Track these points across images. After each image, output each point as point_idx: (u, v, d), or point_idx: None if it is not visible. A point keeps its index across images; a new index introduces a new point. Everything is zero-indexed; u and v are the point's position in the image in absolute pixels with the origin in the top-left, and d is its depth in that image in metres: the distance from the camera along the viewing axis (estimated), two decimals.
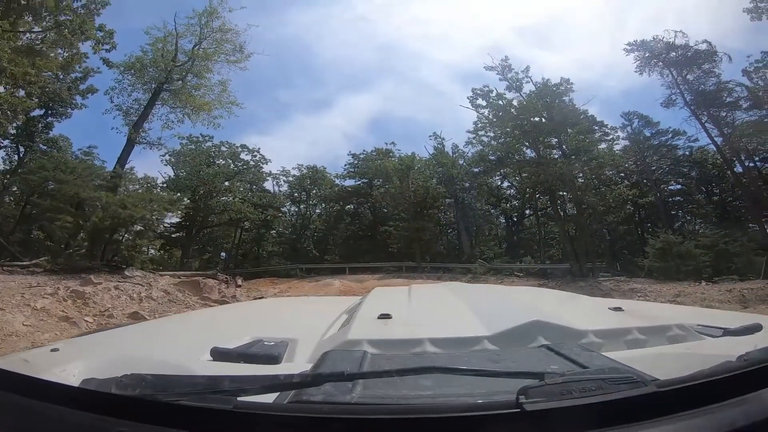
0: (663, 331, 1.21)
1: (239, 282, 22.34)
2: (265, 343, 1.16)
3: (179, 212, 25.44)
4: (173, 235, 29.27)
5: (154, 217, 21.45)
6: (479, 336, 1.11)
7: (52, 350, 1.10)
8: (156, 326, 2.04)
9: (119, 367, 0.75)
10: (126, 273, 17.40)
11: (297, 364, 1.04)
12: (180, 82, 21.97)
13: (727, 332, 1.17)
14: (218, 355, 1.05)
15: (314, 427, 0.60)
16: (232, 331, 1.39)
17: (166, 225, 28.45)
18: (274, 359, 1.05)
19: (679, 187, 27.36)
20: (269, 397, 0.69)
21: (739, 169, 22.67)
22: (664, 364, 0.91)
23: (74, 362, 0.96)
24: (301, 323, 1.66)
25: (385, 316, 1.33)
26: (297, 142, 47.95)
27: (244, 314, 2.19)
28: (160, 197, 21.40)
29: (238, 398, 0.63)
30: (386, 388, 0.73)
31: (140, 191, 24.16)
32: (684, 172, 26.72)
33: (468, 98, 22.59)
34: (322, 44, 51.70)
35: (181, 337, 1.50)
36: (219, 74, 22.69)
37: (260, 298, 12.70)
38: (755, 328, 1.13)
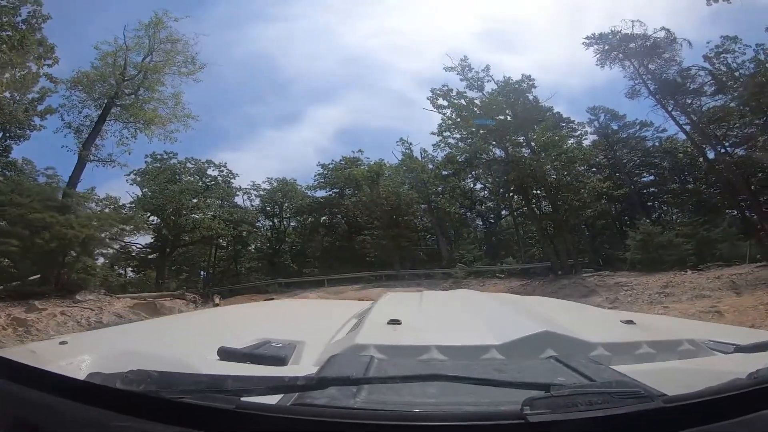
0: (674, 345, 1.15)
1: (217, 300, 21.01)
2: (273, 344, 1.11)
3: (146, 231, 23.44)
4: (149, 257, 27.27)
5: (104, 236, 19.48)
6: (487, 345, 1.05)
7: (61, 343, 1.05)
8: (165, 324, 1.93)
9: (126, 363, 0.73)
10: (77, 297, 15.64)
11: (303, 366, 1.01)
12: (132, 96, 20.16)
13: (738, 349, 1.10)
14: (225, 354, 1.00)
15: (316, 429, 0.57)
16: (241, 331, 1.32)
17: (139, 246, 26.59)
18: (280, 361, 1.01)
19: (651, 178, 25.98)
20: (273, 399, 0.66)
21: (710, 155, 21.20)
22: (673, 379, 0.84)
23: (81, 356, 0.92)
24: (311, 325, 1.58)
25: (394, 322, 1.28)
26: (269, 156, 45.81)
27: (253, 315, 2.07)
28: (107, 215, 19.34)
29: (242, 398, 0.61)
30: (391, 394, 0.70)
31: (107, 211, 22.02)
32: (655, 162, 25.46)
33: (428, 98, 21.12)
34: (288, 58, 49.85)
35: (190, 335, 1.44)
36: (172, 87, 20.89)
37: None
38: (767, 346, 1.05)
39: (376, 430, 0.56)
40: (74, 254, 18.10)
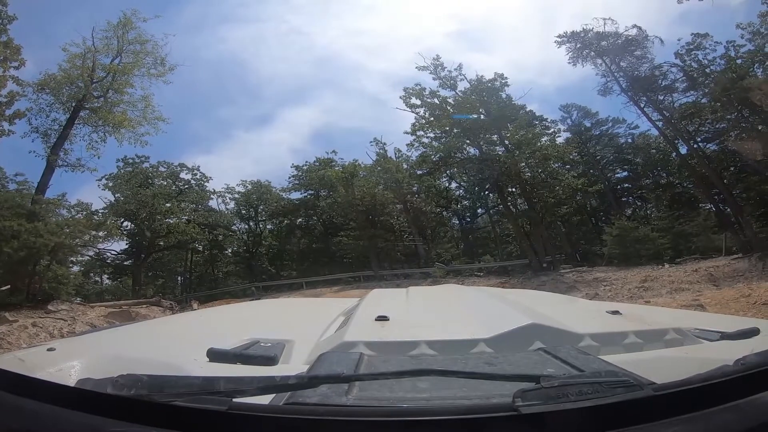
0: (660, 334, 1.10)
1: (195, 306, 19.12)
2: (262, 344, 1.06)
3: (120, 237, 21.69)
4: (124, 263, 25.40)
5: (75, 244, 17.79)
6: (476, 339, 1.01)
7: (49, 349, 1.01)
8: (154, 327, 1.78)
9: (116, 368, 0.71)
10: (50, 307, 14.03)
11: (294, 365, 0.97)
12: (101, 99, 18.66)
13: (724, 336, 1.08)
14: (214, 356, 0.95)
15: (309, 428, 0.56)
16: (230, 332, 1.21)
17: (114, 253, 24.74)
18: (270, 360, 0.96)
19: (625, 173, 24.99)
20: (265, 399, 0.64)
21: (683, 150, 20.20)
22: (661, 367, 0.82)
23: (70, 362, 0.89)
24: (299, 324, 1.49)
25: (382, 318, 1.19)
26: (243, 159, 43.74)
27: (241, 315, 1.90)
28: (78, 222, 17.67)
29: (234, 399, 0.58)
30: (382, 390, 0.67)
31: (78, 218, 20.21)
32: (629, 158, 24.43)
33: (401, 98, 19.85)
34: (260, 59, 47.55)
35: (179, 337, 1.33)
36: (142, 89, 19.42)
37: None
38: (752, 332, 1.03)
39: (370, 427, 0.55)
40: (45, 263, 16.52)
